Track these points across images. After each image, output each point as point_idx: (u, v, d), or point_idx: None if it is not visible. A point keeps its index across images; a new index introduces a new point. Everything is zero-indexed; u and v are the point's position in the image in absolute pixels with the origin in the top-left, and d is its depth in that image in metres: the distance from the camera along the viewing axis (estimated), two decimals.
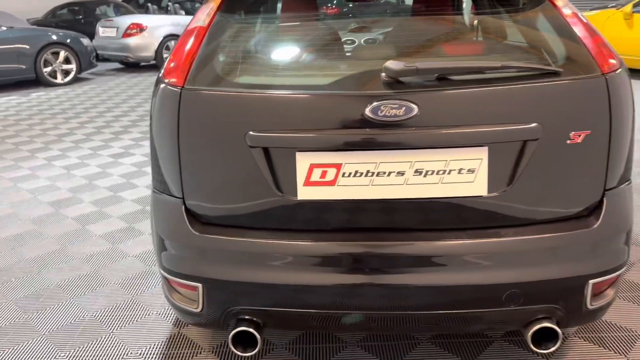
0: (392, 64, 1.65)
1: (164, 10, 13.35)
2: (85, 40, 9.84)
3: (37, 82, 9.37)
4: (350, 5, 2.35)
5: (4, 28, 9.00)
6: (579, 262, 1.74)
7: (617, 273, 1.81)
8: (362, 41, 2.09)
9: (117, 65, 11.89)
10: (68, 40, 9.50)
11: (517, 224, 1.74)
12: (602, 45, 1.78)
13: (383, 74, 1.67)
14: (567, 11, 1.89)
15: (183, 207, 1.82)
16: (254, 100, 1.71)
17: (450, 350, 2.22)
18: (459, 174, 1.68)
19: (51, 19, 13.67)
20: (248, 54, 1.92)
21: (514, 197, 1.71)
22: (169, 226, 1.85)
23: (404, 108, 1.63)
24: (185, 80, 1.78)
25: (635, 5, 7.61)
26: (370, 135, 1.65)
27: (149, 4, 13.24)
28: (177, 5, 12.64)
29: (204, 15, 2.00)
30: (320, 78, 1.82)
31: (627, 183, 1.83)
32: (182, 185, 1.80)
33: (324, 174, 1.69)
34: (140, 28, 10.62)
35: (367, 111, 1.63)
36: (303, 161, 1.69)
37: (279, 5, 2.35)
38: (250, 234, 1.77)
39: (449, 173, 1.68)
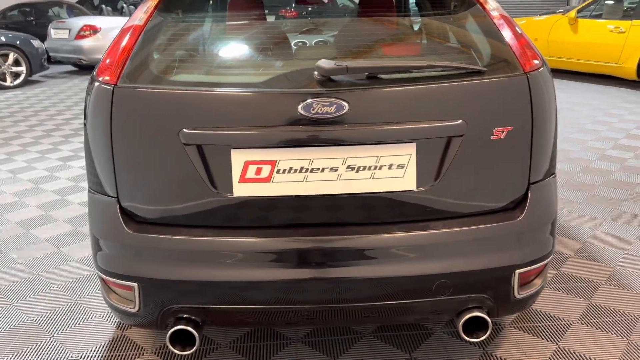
0: (323, 63, 1.69)
1: (119, 12, 13.12)
2: (36, 42, 9.59)
3: None
4: (293, 6, 2.39)
5: None
6: (505, 253, 1.81)
7: (543, 263, 1.89)
8: (301, 41, 2.13)
9: (70, 67, 11.62)
10: (17, 42, 9.25)
11: (446, 217, 1.80)
12: (526, 46, 1.87)
13: (315, 73, 1.71)
14: (495, 14, 1.97)
15: (118, 206, 1.81)
16: (188, 97, 1.73)
17: (392, 343, 2.27)
18: (390, 169, 1.73)
19: (1, 20, 13.25)
20: (184, 52, 1.93)
21: (442, 191, 1.77)
22: (103, 226, 1.84)
23: (335, 105, 1.67)
24: (119, 78, 1.77)
25: (579, 11, 7.91)
26: (303, 132, 1.69)
27: (103, 6, 13.00)
28: (131, 7, 12.45)
29: (141, 14, 2.00)
30: (255, 76, 1.85)
31: (551, 176, 1.92)
32: (116, 184, 1.80)
33: (259, 171, 1.72)
34: (93, 30, 10.41)
35: (300, 108, 1.67)
36: (238, 158, 1.71)
37: (218, 5, 2.36)
38: (186, 232, 1.78)
39: (380, 168, 1.73)
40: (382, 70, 1.75)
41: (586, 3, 8.11)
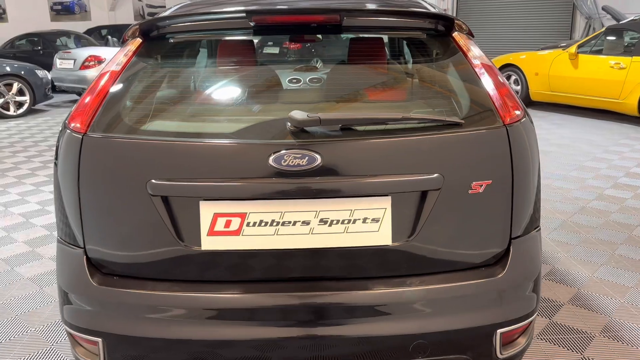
0: (296, 114, 1.65)
1: None
2: (41, 72, 9.69)
3: None
4: (273, 52, 2.36)
5: None
6: (485, 312, 1.74)
7: (527, 322, 1.81)
8: (279, 90, 2.08)
9: (75, 97, 11.72)
10: (22, 72, 9.34)
11: (423, 273, 1.74)
12: (507, 96, 1.83)
13: (288, 124, 1.67)
14: (477, 62, 1.93)
15: (84, 257, 1.76)
16: (157, 148, 1.69)
17: None
18: (364, 223, 1.67)
19: (9, 50, 13.46)
20: (158, 101, 1.90)
21: (419, 247, 1.71)
22: (69, 278, 1.79)
23: (307, 158, 1.62)
24: (89, 126, 1.74)
25: (579, 46, 7.92)
26: (274, 185, 1.64)
27: (109, 37, 13.17)
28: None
29: (120, 57, 1.98)
30: (227, 126, 1.81)
31: (535, 230, 1.85)
32: (83, 235, 1.75)
33: (228, 224, 1.66)
34: (98, 60, 10.52)
35: (271, 160, 1.62)
36: (207, 210, 1.66)
37: (197, 52, 2.34)
38: (153, 286, 1.72)
39: (353, 222, 1.67)
40: (356, 122, 1.71)
41: (587, 38, 8.12)
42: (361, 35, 2.22)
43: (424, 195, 1.68)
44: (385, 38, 2.22)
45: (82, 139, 1.72)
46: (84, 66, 10.45)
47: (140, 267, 1.73)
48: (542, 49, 10.29)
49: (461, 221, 1.72)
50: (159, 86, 1.96)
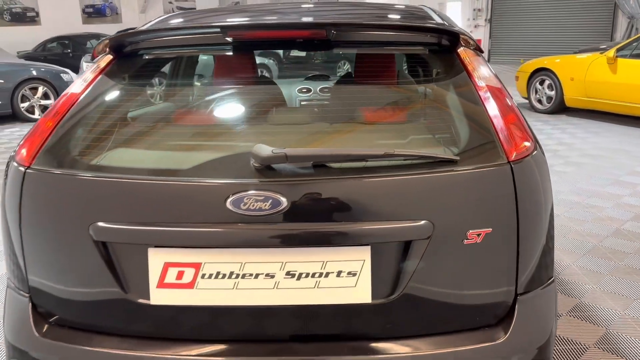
0: (259, 149, 1.41)
1: None
2: (66, 76, 9.72)
3: (13, 117, 9.22)
4: (250, 77, 2.09)
5: None
6: None
7: None
8: (249, 118, 1.83)
9: None
10: (47, 76, 9.38)
11: (409, 336, 1.48)
12: (514, 126, 1.55)
13: (252, 160, 1.44)
14: (481, 84, 1.66)
15: (30, 305, 1.57)
16: (102, 186, 1.48)
17: None
18: (338, 277, 1.43)
19: (41, 52, 13.65)
20: (112, 130, 1.68)
21: (404, 305, 1.45)
22: (14, 327, 1.60)
23: (270, 201, 1.38)
24: (34, 158, 1.55)
25: (618, 50, 7.45)
26: (233, 232, 1.41)
27: None
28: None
29: (87, 75, 1.80)
30: (184, 162, 1.57)
31: (547, 284, 1.57)
32: (27, 281, 1.56)
33: (180, 275, 1.44)
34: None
35: (229, 203, 1.39)
36: (156, 259, 1.44)
37: (165, 74, 2.11)
38: (99, 342, 1.51)
39: (326, 276, 1.43)
40: (330, 158, 1.45)
41: (627, 41, 7.63)
42: (350, 52, 1.96)
43: (410, 245, 1.42)
44: (378, 54, 1.95)
45: (25, 172, 1.53)
46: None
47: (88, 319, 1.53)
48: (580, 51, 9.79)
49: (455, 276, 1.46)
50: (119, 113, 1.75)
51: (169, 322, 1.48)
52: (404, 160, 1.46)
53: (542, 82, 8.40)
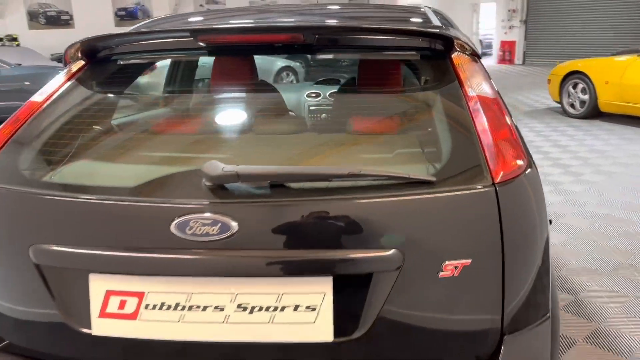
0: (209, 167, 1.27)
1: None
2: None
3: None
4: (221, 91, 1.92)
5: (8, 67, 9.05)
6: None
7: None
8: (208, 132, 1.68)
9: None
10: None
11: None
12: (506, 142, 1.37)
13: (204, 180, 1.29)
14: (473, 93, 1.48)
15: None
16: (45, 204, 1.36)
17: None
18: (295, 312, 1.27)
19: None
20: (63, 145, 1.56)
21: (371, 345, 1.28)
22: None
23: (219, 225, 1.24)
24: None
25: None
26: (178, 259, 1.27)
27: None
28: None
29: (53, 82, 1.69)
30: (130, 180, 1.43)
31: (541, 320, 1.38)
32: None
33: (122, 304, 1.31)
34: (151, 68, 10.55)
35: (174, 227, 1.25)
36: (97, 286, 1.31)
37: (135, 84, 1.98)
38: None
39: (281, 310, 1.27)
40: (287, 178, 1.30)
41: None
42: (330, 57, 1.80)
43: (376, 277, 1.25)
44: (364, 60, 1.78)
45: None
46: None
47: (30, 346, 1.42)
48: (617, 53, 9.33)
49: (429, 312, 1.28)
50: (76, 125, 1.64)
51: (111, 355, 1.35)
52: (373, 180, 1.29)
53: (575, 86, 8.03)
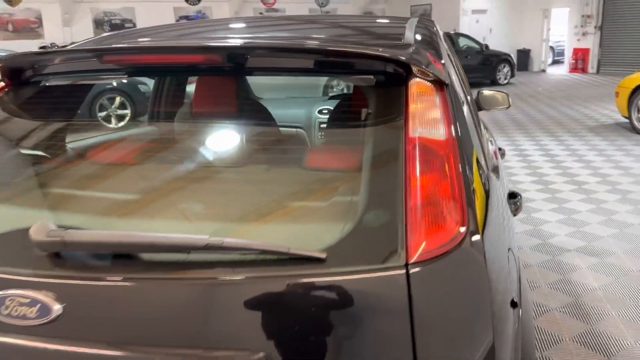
0: (37, 229, 0.99)
1: None
2: (144, 87, 9.93)
3: None
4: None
5: None
6: None
7: None
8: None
9: None
10: (125, 87, 9.65)
11: None
12: (443, 202, 1.01)
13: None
14: (415, 133, 1.13)
15: None
16: None
17: None
18: None
19: None
20: None
21: None
22: None
23: (38, 305, 0.96)
24: None
25: None
26: None
27: None
28: None
29: None
30: None
31: None
32: None
33: None
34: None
35: None
36: None
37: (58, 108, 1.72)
38: None
39: None
40: (127, 247, 0.99)
41: None
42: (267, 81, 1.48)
43: None
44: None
45: None
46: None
47: None
48: None
49: None
50: None
51: None
52: (242, 254, 0.96)
53: None
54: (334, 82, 4.15)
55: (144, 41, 1.68)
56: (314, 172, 1.26)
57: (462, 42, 14.50)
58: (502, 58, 14.69)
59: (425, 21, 1.95)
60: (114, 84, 9.57)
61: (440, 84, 1.30)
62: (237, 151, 1.35)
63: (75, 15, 15.04)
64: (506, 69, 14.67)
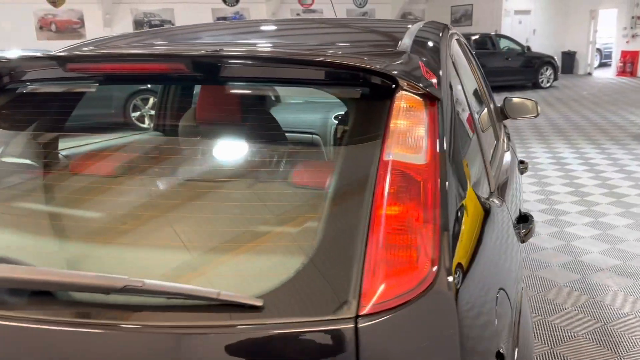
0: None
1: None
2: None
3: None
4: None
5: None
6: None
7: None
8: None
9: None
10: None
11: None
12: (409, 239, 0.87)
13: None
14: (389, 156, 1.00)
15: None
16: None
17: None
18: None
19: None
20: None
21: None
22: None
23: None
24: None
25: None
26: None
27: None
28: None
29: None
30: None
31: None
32: None
33: None
34: None
35: None
36: None
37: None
38: None
39: None
40: (44, 285, 0.88)
41: None
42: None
43: None
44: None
45: None
46: None
47: None
48: None
49: None
50: None
51: None
52: (169, 298, 0.84)
53: None
54: None
55: (115, 50, 1.58)
56: (279, 193, 1.13)
57: (503, 44, 14.09)
58: (544, 60, 14.21)
59: (432, 25, 1.80)
60: (148, 85, 9.68)
61: (431, 99, 1.16)
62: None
63: (116, 16, 15.32)
64: (549, 72, 14.19)
